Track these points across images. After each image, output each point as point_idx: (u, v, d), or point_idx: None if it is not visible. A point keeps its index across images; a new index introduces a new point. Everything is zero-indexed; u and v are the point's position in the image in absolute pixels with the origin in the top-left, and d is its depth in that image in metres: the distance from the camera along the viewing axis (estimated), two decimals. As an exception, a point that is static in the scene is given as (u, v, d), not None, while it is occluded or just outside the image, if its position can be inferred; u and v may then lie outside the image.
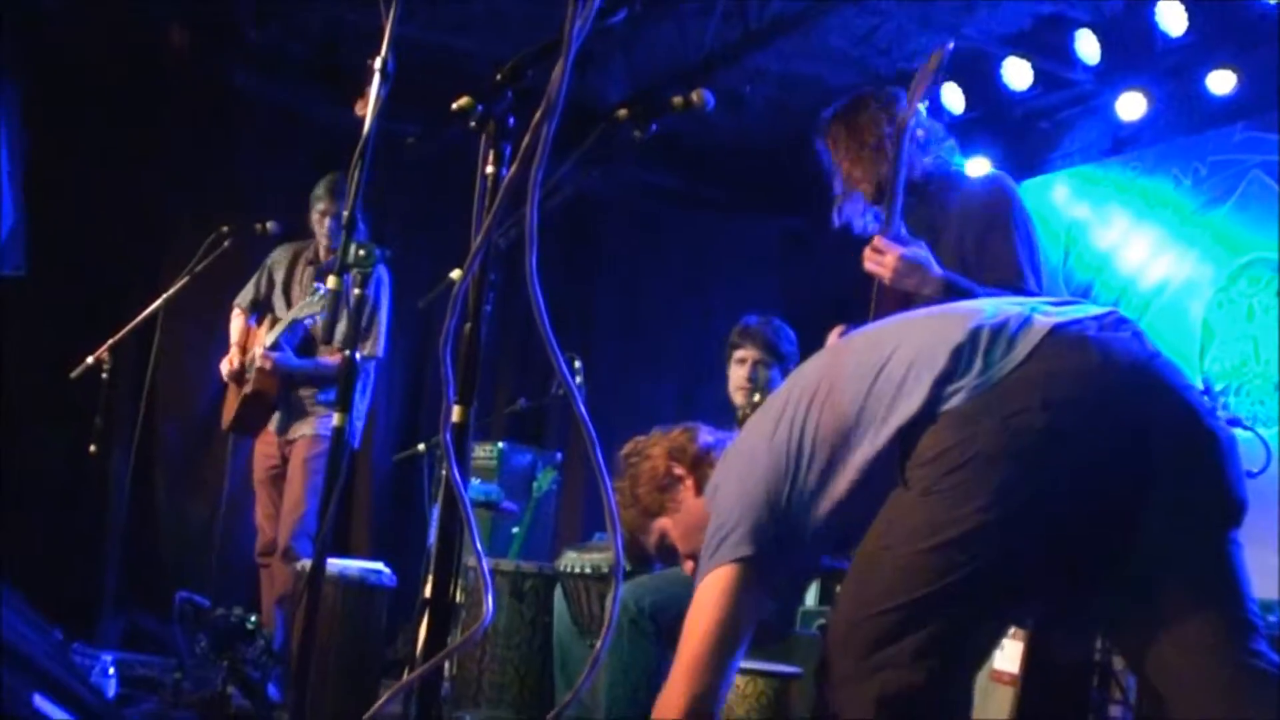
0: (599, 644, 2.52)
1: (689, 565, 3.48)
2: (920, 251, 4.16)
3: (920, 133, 4.39)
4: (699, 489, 3.43)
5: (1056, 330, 2.67)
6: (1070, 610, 2.89)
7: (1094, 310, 2.79)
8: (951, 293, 4.03)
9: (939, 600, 2.58)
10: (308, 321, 6.87)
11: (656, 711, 2.96)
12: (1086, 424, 2.59)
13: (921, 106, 4.32)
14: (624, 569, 4.76)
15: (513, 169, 2.20)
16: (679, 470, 3.52)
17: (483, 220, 2.35)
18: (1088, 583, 2.69)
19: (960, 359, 2.69)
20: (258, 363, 6.95)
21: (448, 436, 2.35)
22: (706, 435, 3.60)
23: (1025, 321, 2.72)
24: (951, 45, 4.35)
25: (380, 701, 2.39)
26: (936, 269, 4.13)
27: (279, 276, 7.31)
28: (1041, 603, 2.95)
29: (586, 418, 2.20)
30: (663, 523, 3.53)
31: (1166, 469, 2.61)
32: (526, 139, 2.08)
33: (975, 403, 2.63)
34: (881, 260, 4.17)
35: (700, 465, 3.48)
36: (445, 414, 2.38)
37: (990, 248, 4.25)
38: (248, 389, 6.99)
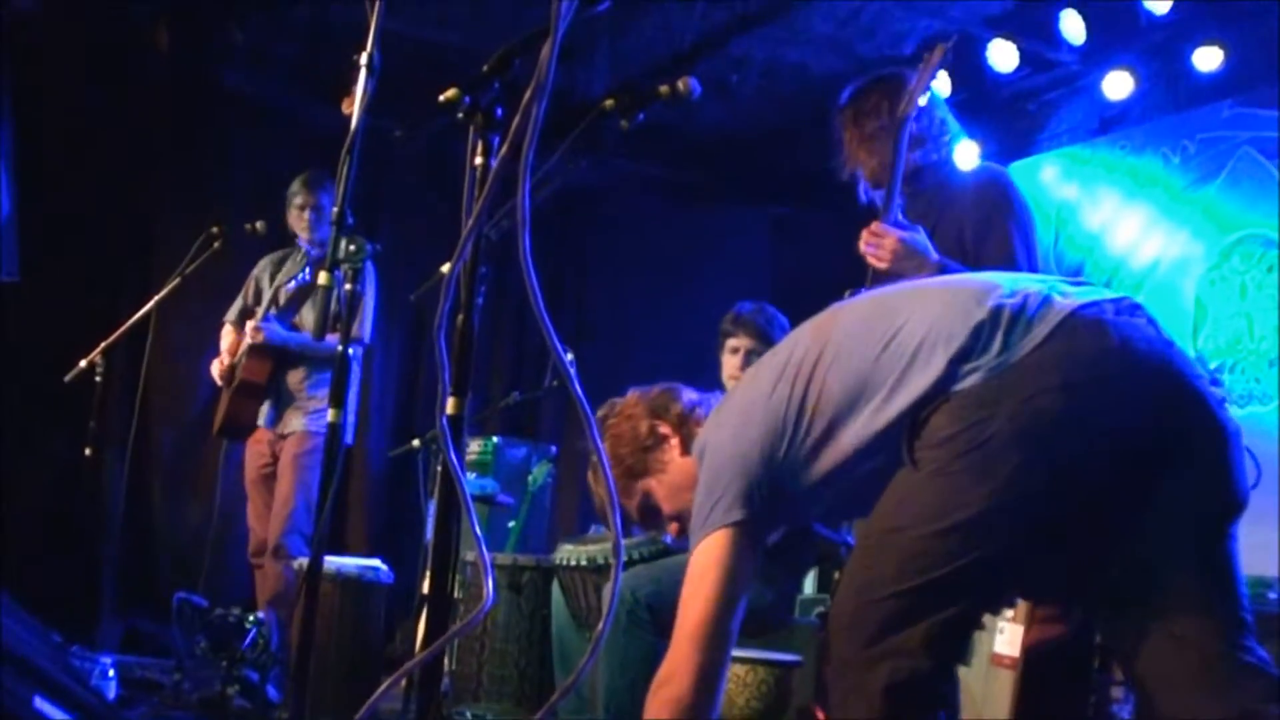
0: (599, 629, 2.50)
1: (674, 527, 3.42)
2: (918, 236, 4.17)
3: (913, 126, 4.40)
4: (685, 448, 3.35)
5: (1076, 313, 2.63)
6: (1077, 594, 2.86)
7: (1109, 294, 2.76)
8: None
9: (950, 585, 2.55)
10: (289, 286, 6.86)
11: (662, 688, 2.89)
12: (1105, 409, 2.56)
13: (922, 100, 4.32)
14: (613, 561, 4.77)
15: (503, 149, 2.19)
16: (664, 429, 3.43)
17: (473, 209, 2.34)
18: (1095, 568, 2.67)
19: (980, 337, 2.64)
20: (248, 339, 6.92)
21: (444, 420, 2.34)
22: (690, 394, 3.52)
23: (1045, 301, 2.68)
24: (954, 40, 4.38)
25: (380, 691, 2.38)
26: (934, 254, 4.15)
27: (265, 285, 7.32)
28: (1049, 587, 2.93)
29: (581, 393, 2.19)
30: (647, 484, 3.43)
31: (1177, 459, 2.59)
32: (516, 120, 2.07)
33: (992, 384, 2.59)
34: (880, 244, 4.19)
35: (686, 423, 3.39)
36: (441, 397, 2.37)
37: (988, 241, 4.24)
38: (237, 380, 6.96)
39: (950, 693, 2.76)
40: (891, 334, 2.77)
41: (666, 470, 3.43)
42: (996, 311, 2.67)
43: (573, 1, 2.15)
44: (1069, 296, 2.70)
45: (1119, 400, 2.57)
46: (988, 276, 2.95)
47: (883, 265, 4.19)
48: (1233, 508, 2.67)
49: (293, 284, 6.89)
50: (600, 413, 3.60)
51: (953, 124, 4.52)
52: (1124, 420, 2.56)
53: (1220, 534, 2.66)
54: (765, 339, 5.51)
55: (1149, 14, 7.39)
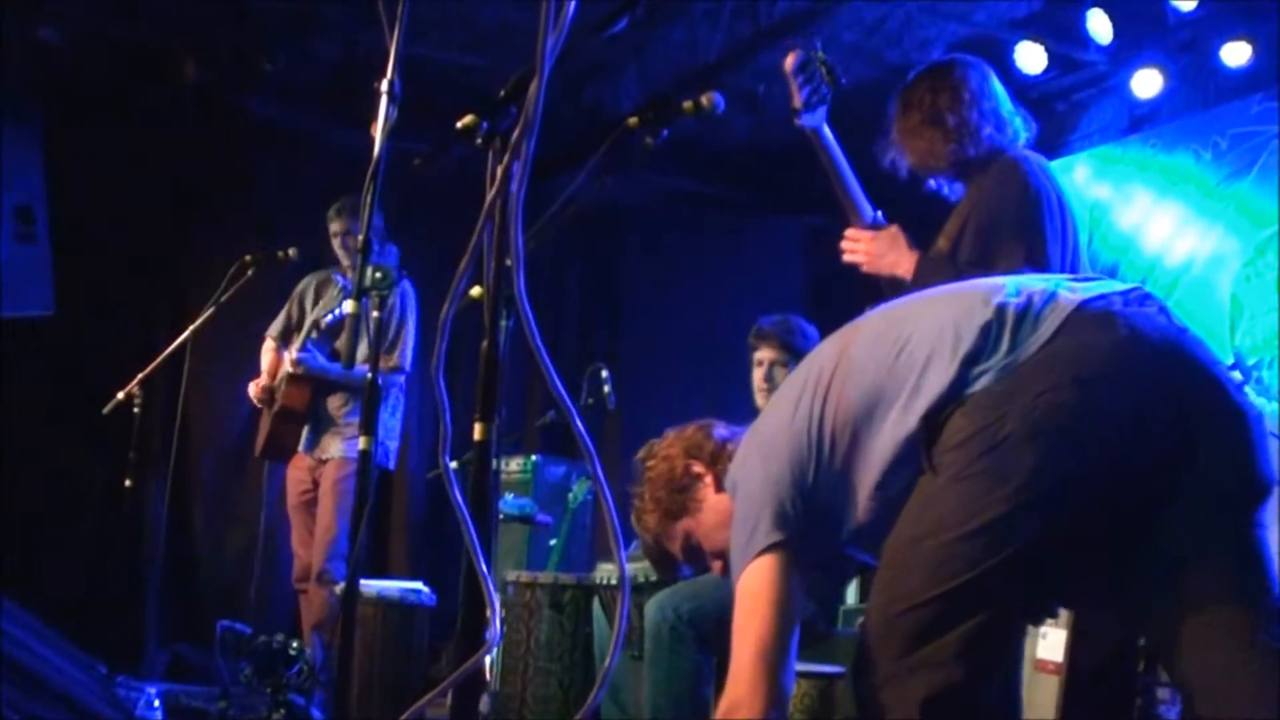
0: (607, 664, 2.50)
1: (718, 565, 3.40)
2: (891, 230, 4.20)
3: (965, 113, 4.38)
4: (719, 485, 3.33)
5: (1083, 306, 2.63)
6: (1108, 592, 2.83)
7: (1119, 286, 2.74)
8: (928, 270, 4.06)
9: (977, 589, 2.53)
10: (328, 319, 6.87)
11: (732, 715, 2.83)
12: (1118, 400, 2.53)
13: (797, 104, 4.33)
14: (652, 580, 4.77)
15: (494, 188, 2.20)
16: (697, 468, 3.42)
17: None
18: (1122, 563, 2.65)
19: (989, 337, 2.64)
20: (287, 368, 6.97)
21: (446, 459, 2.36)
22: (721, 429, 3.49)
23: (1050, 298, 2.67)
24: (813, 51, 4.38)
25: (412, 710, 2.40)
26: (906, 249, 4.17)
27: (308, 304, 7.35)
28: (1078, 586, 2.91)
29: (583, 430, 2.21)
30: (686, 524, 3.42)
31: (1197, 446, 2.55)
32: (506, 158, 2.08)
33: (1004, 383, 2.58)
34: (855, 247, 4.23)
35: (719, 460, 3.38)
36: (443, 435, 2.38)
37: (993, 228, 4.22)
38: (277, 405, 7.00)
39: (1009, 705, 2.74)
40: (903, 342, 2.77)
41: (703, 509, 3.42)
42: (1002, 311, 2.67)
43: (558, 41, 2.16)
44: (1076, 291, 2.69)
45: (1131, 391, 2.55)
46: (994, 279, 2.93)
47: (865, 267, 4.23)
48: (1258, 493, 2.62)
49: (330, 318, 6.90)
50: (639, 455, 3.60)
51: (1008, 113, 4.46)
52: (1138, 411, 2.54)
53: (1246, 520, 2.62)
54: (787, 349, 5.52)
55: (1176, 11, 7.36)
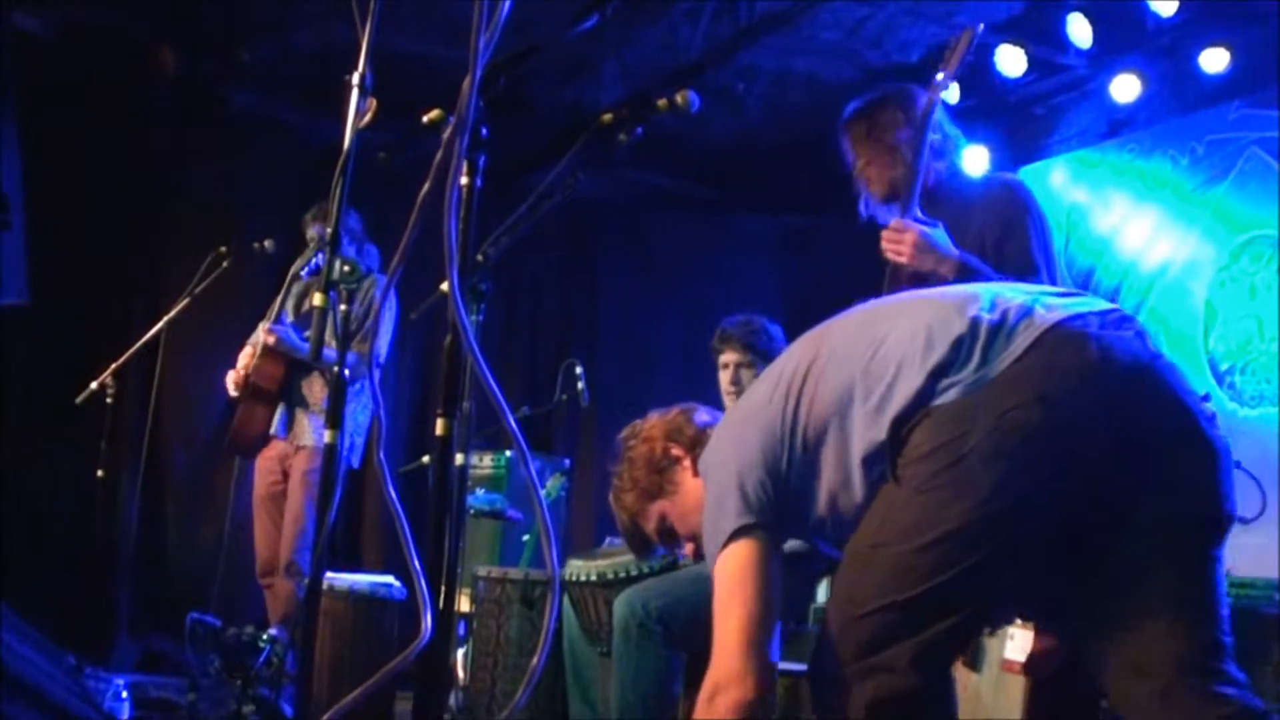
0: (534, 664, 2.51)
1: (689, 547, 3.45)
2: (938, 231, 4.20)
3: (935, 136, 4.44)
4: (696, 469, 3.32)
5: (1058, 325, 2.63)
6: (1059, 607, 2.84)
7: (1098, 305, 2.74)
8: (967, 273, 4.08)
9: (931, 600, 2.55)
10: (304, 274, 6.82)
11: (720, 694, 2.83)
12: (1083, 422, 2.54)
13: (954, 86, 4.38)
14: (622, 576, 4.76)
15: (425, 186, 2.20)
16: (676, 450, 3.45)
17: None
18: (1074, 582, 2.65)
19: (960, 351, 2.64)
20: (260, 338, 6.89)
21: (381, 455, 2.37)
22: (703, 414, 3.53)
23: (1025, 313, 2.68)
24: (981, 27, 4.43)
25: (350, 697, 2.41)
26: (953, 249, 4.17)
27: (291, 305, 7.30)
28: (1032, 601, 2.91)
29: (519, 433, 2.20)
30: (662, 505, 3.46)
31: (1161, 475, 2.56)
32: (439, 155, 2.07)
33: (970, 398, 2.59)
34: (900, 239, 4.21)
35: (697, 445, 3.38)
36: (379, 431, 2.39)
37: (1008, 249, 4.27)
38: (250, 384, 6.91)
39: (949, 702, 2.74)
40: (878, 343, 2.79)
41: (679, 491, 3.46)
42: (975, 324, 2.67)
43: (492, 39, 2.16)
44: (1053, 309, 2.69)
45: (1096, 414, 2.55)
46: (971, 288, 2.94)
47: (903, 260, 4.22)
48: (1217, 525, 2.64)
49: (305, 272, 6.84)
50: (622, 434, 3.64)
51: (958, 134, 4.56)
52: (1102, 434, 2.54)
53: (1200, 553, 2.63)
54: (751, 350, 5.53)
55: (1155, 17, 7.38)
